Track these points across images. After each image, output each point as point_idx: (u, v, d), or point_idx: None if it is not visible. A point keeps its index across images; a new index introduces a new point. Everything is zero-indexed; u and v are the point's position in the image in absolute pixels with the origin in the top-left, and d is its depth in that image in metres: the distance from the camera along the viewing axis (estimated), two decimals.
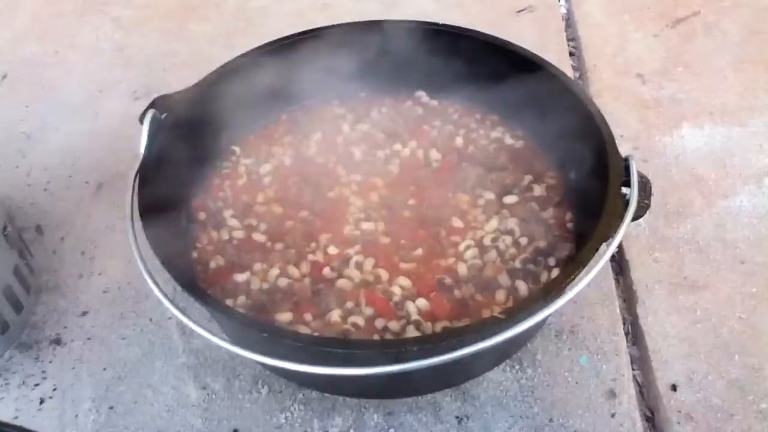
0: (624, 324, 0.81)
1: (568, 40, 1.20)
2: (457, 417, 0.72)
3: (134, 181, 0.69)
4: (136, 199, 0.68)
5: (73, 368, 0.78)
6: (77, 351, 0.80)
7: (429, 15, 1.23)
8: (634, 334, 0.80)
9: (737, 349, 0.77)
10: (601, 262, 0.61)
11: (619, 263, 0.87)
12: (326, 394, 0.73)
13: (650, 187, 0.68)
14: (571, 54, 1.17)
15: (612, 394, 0.74)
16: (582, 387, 0.74)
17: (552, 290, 0.60)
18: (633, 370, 0.77)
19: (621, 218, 0.63)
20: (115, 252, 0.89)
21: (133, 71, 1.16)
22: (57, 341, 0.81)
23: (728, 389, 0.74)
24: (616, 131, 0.98)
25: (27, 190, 0.98)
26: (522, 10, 1.25)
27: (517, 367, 0.76)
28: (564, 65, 1.13)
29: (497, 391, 0.74)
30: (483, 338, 0.56)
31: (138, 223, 0.66)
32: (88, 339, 0.81)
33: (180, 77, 0.96)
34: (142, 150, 0.72)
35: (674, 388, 0.74)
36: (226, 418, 0.73)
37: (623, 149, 0.96)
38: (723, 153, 0.98)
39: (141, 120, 0.74)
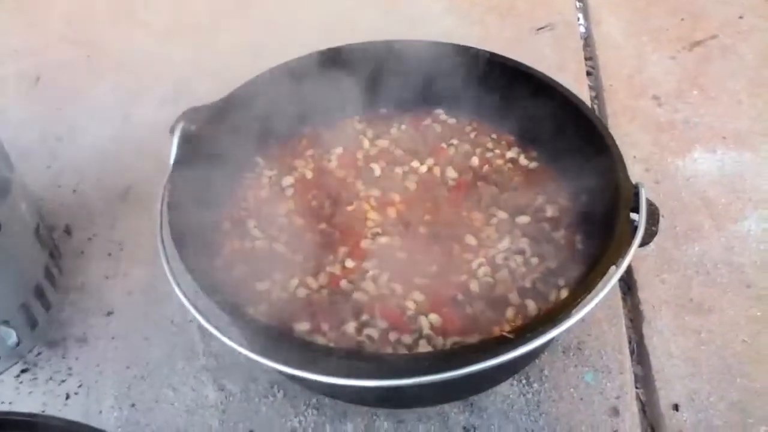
0: (630, 343, 0.83)
1: (586, 59, 1.22)
2: (464, 428, 0.75)
3: (164, 191, 0.73)
4: (165, 208, 0.72)
5: (98, 366, 0.82)
6: (102, 349, 0.83)
7: (451, 32, 1.25)
8: (639, 353, 0.82)
9: (740, 372, 0.79)
10: (608, 287, 0.63)
11: (627, 283, 0.89)
12: (339, 401, 0.76)
13: (658, 214, 0.70)
14: (588, 73, 1.19)
15: (615, 411, 0.76)
16: (586, 403, 0.77)
17: (560, 312, 0.62)
18: (636, 388, 0.79)
19: (629, 244, 0.65)
20: (140, 255, 0.92)
21: (162, 78, 1.19)
22: (83, 339, 0.84)
23: (729, 411, 0.76)
24: (630, 152, 1.02)
25: (57, 191, 1.02)
26: (542, 28, 1.27)
27: (524, 381, 0.78)
28: (581, 85, 1.15)
29: (504, 404, 0.77)
30: (492, 356, 0.58)
31: (166, 231, 0.70)
32: (113, 338, 0.84)
33: (207, 85, 0.99)
34: (171, 161, 0.76)
35: (676, 407, 0.76)
36: (242, 420, 0.76)
37: (636, 170, 1.00)
38: (734, 177, 0.99)
39: (171, 131, 0.78)
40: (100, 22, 1.32)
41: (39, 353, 0.83)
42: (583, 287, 0.63)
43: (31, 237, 0.82)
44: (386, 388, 0.60)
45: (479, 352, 0.60)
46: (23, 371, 0.82)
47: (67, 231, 0.96)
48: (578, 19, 1.30)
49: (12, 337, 0.81)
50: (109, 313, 0.87)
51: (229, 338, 0.64)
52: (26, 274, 0.81)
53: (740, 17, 1.26)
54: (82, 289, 0.90)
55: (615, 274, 0.65)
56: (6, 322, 0.79)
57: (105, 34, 1.29)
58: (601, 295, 0.63)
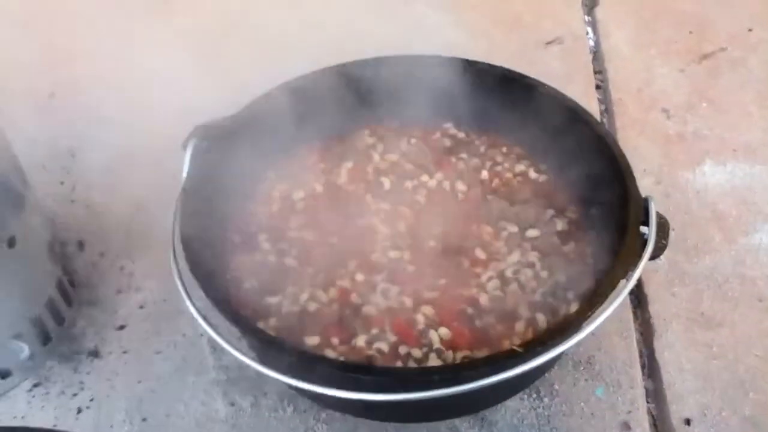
0: (640, 357, 0.83)
1: (595, 72, 1.22)
2: None
3: (176, 206, 0.74)
4: (178, 223, 0.72)
5: (110, 380, 0.82)
6: (114, 364, 0.84)
7: (457, 45, 1.25)
8: (650, 368, 0.82)
9: (752, 387, 0.78)
10: (617, 300, 0.63)
11: (638, 296, 0.89)
12: (349, 415, 0.76)
13: (668, 228, 0.70)
14: (597, 87, 1.19)
15: (626, 426, 0.76)
16: (597, 418, 0.76)
17: (569, 326, 0.62)
18: (648, 403, 0.79)
19: (638, 257, 0.65)
20: (152, 269, 0.93)
21: (172, 91, 1.20)
22: (95, 353, 0.85)
23: (741, 426, 0.75)
24: (640, 165, 1.02)
25: (70, 206, 1.03)
26: (551, 42, 1.28)
27: (535, 395, 0.78)
28: (590, 98, 1.15)
29: (514, 418, 0.76)
30: (502, 370, 0.59)
31: (178, 245, 0.71)
32: (124, 352, 0.85)
33: (218, 98, 1.00)
34: (184, 175, 0.77)
35: (688, 422, 0.76)
36: None
37: (646, 183, 1.00)
38: (744, 190, 0.99)
39: (184, 147, 0.78)
40: (110, 38, 1.33)
41: (51, 367, 0.84)
42: (592, 302, 0.63)
43: (44, 252, 0.82)
44: (396, 403, 0.60)
45: (489, 367, 0.60)
46: (35, 385, 0.82)
47: (80, 245, 0.97)
48: (587, 32, 1.31)
49: (24, 351, 0.81)
50: (121, 327, 0.87)
51: (240, 352, 0.64)
52: (39, 289, 0.82)
53: (749, 30, 1.26)
54: (94, 303, 0.90)
55: (625, 288, 0.64)
56: (19, 336, 0.80)
57: (117, 49, 1.30)
58: (611, 309, 0.63)
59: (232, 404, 0.79)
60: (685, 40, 1.26)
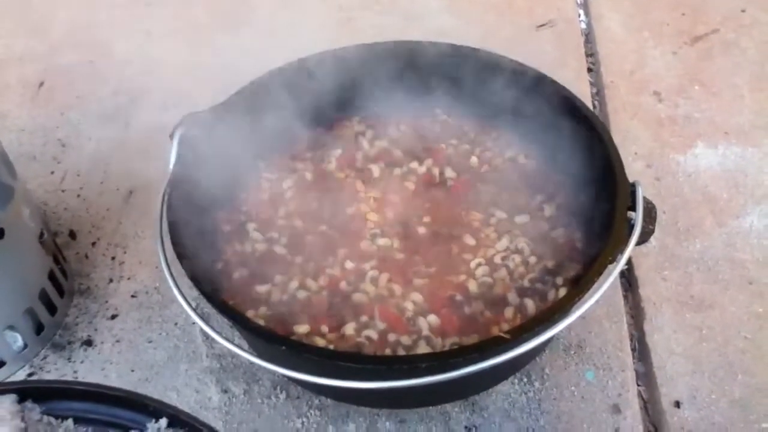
0: (631, 340, 0.83)
1: (587, 55, 1.22)
2: (466, 427, 0.75)
3: (164, 196, 0.74)
4: (165, 214, 0.72)
5: (103, 369, 0.83)
6: (107, 352, 0.84)
7: (449, 30, 1.25)
8: (641, 351, 0.82)
9: (741, 369, 0.79)
10: (604, 286, 0.64)
11: (629, 280, 0.89)
12: (341, 402, 0.77)
13: (655, 213, 0.70)
14: (589, 70, 1.19)
15: (617, 409, 0.76)
16: (588, 401, 0.77)
17: (556, 312, 0.62)
18: (638, 386, 0.79)
19: (625, 243, 0.65)
20: (144, 258, 0.93)
21: (163, 82, 1.20)
22: (88, 342, 0.85)
23: (731, 408, 0.76)
24: (631, 149, 1.02)
25: (61, 196, 1.03)
26: (542, 25, 1.27)
27: (525, 380, 0.79)
28: (582, 81, 1.15)
29: (505, 402, 0.77)
30: (489, 357, 0.59)
31: (166, 236, 0.71)
32: (117, 341, 0.85)
33: (208, 88, 1.00)
34: (171, 166, 0.77)
35: (678, 405, 0.76)
36: (245, 421, 0.77)
37: (637, 166, 1.00)
38: (736, 173, 0.99)
39: (171, 137, 0.78)
40: (102, 28, 1.33)
41: (45, 357, 0.84)
42: (579, 287, 0.63)
43: (34, 243, 0.83)
44: (385, 390, 0.61)
45: (477, 354, 0.60)
46: (30, 375, 0.83)
47: (72, 235, 0.97)
48: (579, 15, 1.30)
49: (18, 341, 0.82)
50: (114, 316, 0.88)
51: (231, 341, 0.65)
52: (31, 280, 0.82)
53: (742, 11, 1.26)
54: (86, 292, 0.91)
55: (612, 273, 0.65)
56: (12, 327, 0.80)
57: (107, 39, 1.29)
58: (598, 294, 0.63)
59: (225, 392, 0.79)
60: (678, 22, 1.25)
